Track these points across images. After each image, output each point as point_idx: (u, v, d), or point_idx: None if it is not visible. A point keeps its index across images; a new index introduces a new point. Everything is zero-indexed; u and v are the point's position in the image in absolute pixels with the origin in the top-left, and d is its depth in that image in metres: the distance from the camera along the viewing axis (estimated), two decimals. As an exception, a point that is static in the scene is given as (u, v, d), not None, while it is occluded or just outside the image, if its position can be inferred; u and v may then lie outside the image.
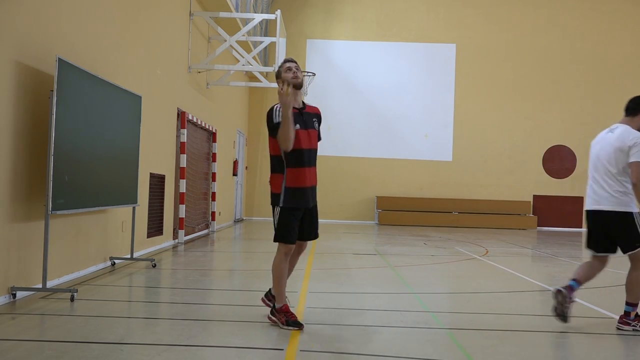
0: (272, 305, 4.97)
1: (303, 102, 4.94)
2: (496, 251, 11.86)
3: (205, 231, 13.99)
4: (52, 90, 5.64)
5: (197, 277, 7.58)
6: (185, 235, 11.63)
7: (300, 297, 6.16)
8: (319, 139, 4.98)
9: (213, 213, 14.44)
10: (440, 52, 20.99)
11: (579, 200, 20.91)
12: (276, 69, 13.14)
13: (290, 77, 4.74)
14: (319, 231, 5.15)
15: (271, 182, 4.87)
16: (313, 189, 4.89)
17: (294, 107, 4.72)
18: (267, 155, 5.21)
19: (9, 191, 5.46)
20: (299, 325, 4.68)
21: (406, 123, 20.85)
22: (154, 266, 8.03)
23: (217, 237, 13.16)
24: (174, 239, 11.36)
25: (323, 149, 20.56)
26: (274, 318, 4.86)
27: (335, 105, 20.74)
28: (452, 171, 20.95)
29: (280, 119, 4.61)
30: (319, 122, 4.97)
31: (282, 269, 4.82)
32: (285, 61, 4.88)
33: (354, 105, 20.87)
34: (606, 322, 5.42)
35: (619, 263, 10.43)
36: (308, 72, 16.19)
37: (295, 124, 4.68)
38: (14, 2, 5.51)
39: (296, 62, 4.89)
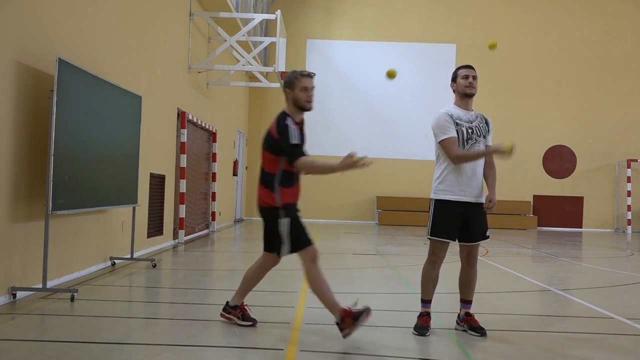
0: (225, 304, 4.97)
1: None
2: (496, 251, 11.85)
3: (206, 231, 13.98)
4: (52, 90, 5.64)
5: (197, 277, 7.58)
6: (185, 235, 11.63)
7: (300, 297, 6.17)
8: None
9: (213, 213, 14.44)
10: (440, 52, 20.98)
11: (579, 200, 20.91)
12: (276, 69, 13.25)
13: None
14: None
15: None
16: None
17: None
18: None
19: (9, 191, 5.46)
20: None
21: (406, 123, 20.84)
22: (154, 266, 8.03)
23: (217, 237, 13.16)
24: (174, 239, 11.36)
25: (323, 148, 20.93)
26: (227, 315, 4.90)
27: (335, 105, 20.74)
28: (452, 171, 20.90)
29: (298, 142, 4.43)
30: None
31: (318, 278, 4.72)
32: None
33: (354, 105, 20.86)
34: (606, 322, 5.42)
35: (619, 264, 10.44)
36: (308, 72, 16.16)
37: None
38: (14, 2, 5.51)
39: None
